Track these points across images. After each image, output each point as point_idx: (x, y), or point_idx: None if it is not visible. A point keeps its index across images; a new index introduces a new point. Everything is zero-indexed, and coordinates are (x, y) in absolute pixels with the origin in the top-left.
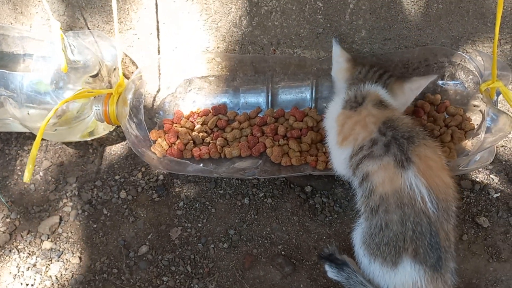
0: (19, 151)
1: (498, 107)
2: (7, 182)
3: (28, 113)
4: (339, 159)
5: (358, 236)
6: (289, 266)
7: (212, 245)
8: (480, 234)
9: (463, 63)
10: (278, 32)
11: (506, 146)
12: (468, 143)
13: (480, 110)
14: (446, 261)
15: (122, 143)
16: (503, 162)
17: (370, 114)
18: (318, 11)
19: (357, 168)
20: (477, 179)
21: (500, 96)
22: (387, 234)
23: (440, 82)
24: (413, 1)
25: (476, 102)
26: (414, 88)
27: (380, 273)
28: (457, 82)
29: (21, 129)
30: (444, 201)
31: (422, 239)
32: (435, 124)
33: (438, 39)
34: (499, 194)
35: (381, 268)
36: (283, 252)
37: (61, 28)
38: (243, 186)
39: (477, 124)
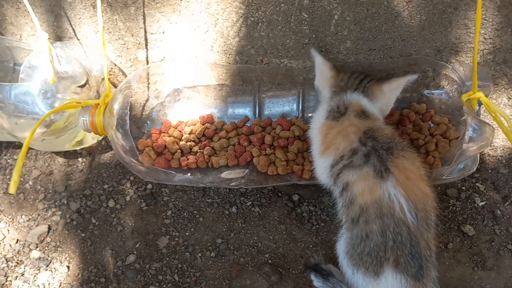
0: (9, 160)
1: (481, 117)
2: None
3: (16, 123)
4: (321, 168)
5: (341, 247)
6: (275, 274)
7: (199, 254)
8: (465, 242)
9: (447, 73)
10: (265, 43)
11: (491, 155)
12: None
13: (464, 119)
14: (427, 270)
15: (111, 152)
16: (489, 171)
17: (352, 124)
18: (304, 22)
19: (338, 178)
20: (463, 188)
21: (483, 107)
22: (368, 244)
23: (425, 91)
24: (396, 12)
25: (459, 112)
26: (393, 87)
27: (363, 283)
28: (441, 91)
29: (10, 138)
30: (423, 210)
31: (403, 249)
32: (420, 133)
33: (422, 50)
34: (484, 202)
35: (364, 278)
36: (270, 261)
37: (49, 39)
38: (231, 195)
39: (461, 133)
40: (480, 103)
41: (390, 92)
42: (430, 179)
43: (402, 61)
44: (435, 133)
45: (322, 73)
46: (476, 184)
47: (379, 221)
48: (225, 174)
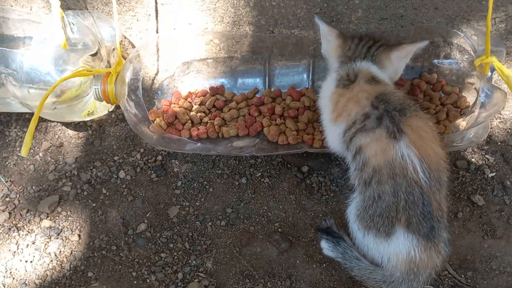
0: (18, 133)
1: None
2: (7, 163)
3: (28, 91)
4: (333, 136)
5: (352, 211)
6: (285, 242)
7: (209, 223)
8: (475, 212)
9: (458, 43)
10: (276, 13)
11: (501, 128)
12: (463, 123)
13: (475, 88)
14: (439, 231)
15: (121, 124)
16: (498, 143)
17: (363, 90)
18: None
19: (351, 142)
20: (473, 159)
21: (495, 74)
22: (380, 205)
23: (436, 61)
24: None
25: (471, 80)
26: (402, 55)
27: (374, 245)
28: (452, 61)
29: (21, 109)
30: (436, 170)
31: (415, 209)
32: (431, 103)
33: (433, 18)
34: (494, 173)
35: (375, 240)
36: (279, 229)
37: (60, 7)
38: (241, 166)
39: (472, 102)
40: (492, 70)
41: (399, 60)
42: (442, 143)
43: (414, 29)
44: (446, 102)
45: (329, 42)
46: (486, 156)
47: (392, 181)
48: (236, 144)
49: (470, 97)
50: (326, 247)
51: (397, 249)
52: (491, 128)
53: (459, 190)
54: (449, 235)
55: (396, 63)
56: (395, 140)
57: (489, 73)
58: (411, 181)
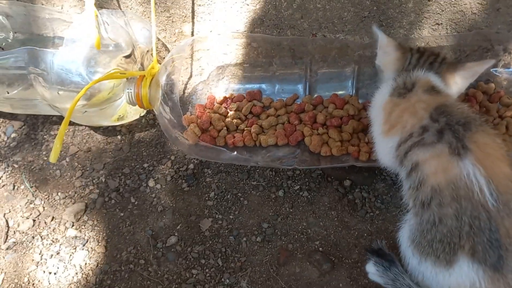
0: (45, 136)
1: None
2: (32, 167)
3: (58, 94)
4: (385, 149)
5: (405, 234)
6: (327, 263)
7: (244, 239)
8: None
9: None
10: (320, 16)
11: None
12: None
13: None
14: (507, 260)
15: (151, 130)
16: None
17: (421, 100)
18: None
19: (405, 157)
20: None
21: None
22: (440, 230)
23: (493, 70)
24: None
25: None
26: (468, 76)
27: (432, 274)
28: None
29: (48, 111)
30: (505, 193)
31: (481, 236)
32: (488, 115)
33: (494, 25)
34: None
35: (433, 268)
36: (320, 249)
37: (95, 5)
38: (278, 178)
39: None
40: None
41: (464, 80)
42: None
43: (471, 36)
44: (505, 115)
45: (387, 54)
46: None
47: (456, 204)
48: (274, 154)
49: None
50: (373, 271)
51: (460, 279)
52: None
53: None
54: None
55: (461, 83)
56: (459, 157)
57: None
58: (477, 204)
